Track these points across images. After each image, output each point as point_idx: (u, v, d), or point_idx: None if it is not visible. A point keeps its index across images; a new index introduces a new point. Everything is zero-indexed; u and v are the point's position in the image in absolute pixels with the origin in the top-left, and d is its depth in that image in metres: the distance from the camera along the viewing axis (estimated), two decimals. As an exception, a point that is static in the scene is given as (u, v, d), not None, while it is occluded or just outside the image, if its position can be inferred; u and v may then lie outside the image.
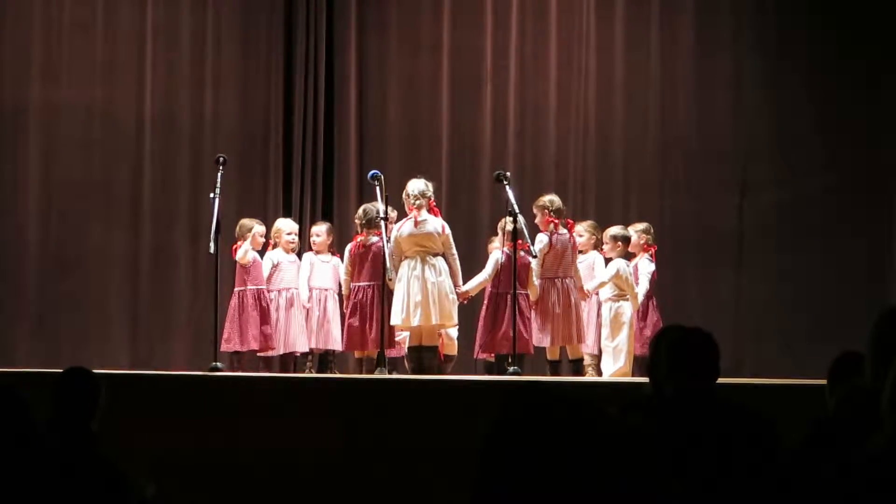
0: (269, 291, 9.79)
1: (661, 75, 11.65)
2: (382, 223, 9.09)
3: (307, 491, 7.38)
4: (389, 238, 9.16)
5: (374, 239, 9.36)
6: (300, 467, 7.40)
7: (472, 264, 9.80)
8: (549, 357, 9.58)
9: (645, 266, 9.90)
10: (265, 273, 9.79)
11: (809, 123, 11.43)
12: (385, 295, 9.21)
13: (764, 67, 11.55)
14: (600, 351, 9.74)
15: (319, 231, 10.15)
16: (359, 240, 9.55)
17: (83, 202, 11.30)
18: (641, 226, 10.08)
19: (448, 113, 11.71)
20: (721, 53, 11.64)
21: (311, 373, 9.75)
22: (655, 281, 9.92)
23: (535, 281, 9.41)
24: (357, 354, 9.75)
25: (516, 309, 9.07)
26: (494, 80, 11.70)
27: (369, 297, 9.37)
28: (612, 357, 9.61)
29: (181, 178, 11.49)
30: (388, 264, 9.09)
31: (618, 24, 11.71)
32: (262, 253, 9.87)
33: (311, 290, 9.89)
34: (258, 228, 9.83)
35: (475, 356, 9.69)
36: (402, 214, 9.51)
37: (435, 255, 9.25)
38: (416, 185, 9.33)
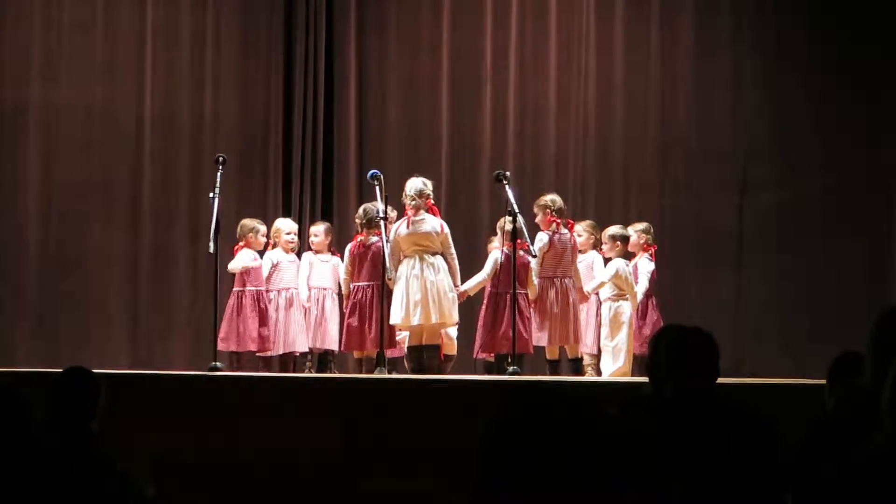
0: (268, 291, 9.79)
1: (661, 75, 11.65)
2: (382, 223, 9.09)
3: (307, 491, 7.38)
4: (389, 238, 9.16)
5: (375, 239, 9.36)
6: (300, 467, 7.39)
7: (471, 264, 9.80)
8: (548, 357, 9.58)
9: (644, 265, 9.90)
10: (265, 273, 9.79)
11: (809, 123, 11.43)
12: (385, 294, 9.21)
13: (764, 67, 11.54)
14: (600, 350, 9.75)
15: (318, 231, 10.15)
16: (359, 239, 9.55)
17: (83, 202, 11.30)
18: (641, 226, 10.08)
19: (448, 113, 11.71)
20: (721, 53, 11.64)
21: (311, 372, 9.75)
22: (655, 280, 9.93)
23: (535, 280, 9.42)
24: (357, 354, 9.75)
25: (516, 309, 9.07)
26: (494, 80, 11.69)
27: (369, 297, 9.37)
28: (612, 356, 9.62)
29: (181, 178, 11.49)
30: (387, 264, 9.09)
31: (618, 25, 11.71)
32: (261, 253, 9.88)
33: (309, 289, 9.90)
34: (261, 230, 9.84)
35: (475, 356, 9.69)
36: (401, 214, 9.51)
37: (434, 254, 9.25)
38: (412, 185, 9.34)
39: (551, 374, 9.44)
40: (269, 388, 8.01)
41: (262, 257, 9.85)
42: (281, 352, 9.80)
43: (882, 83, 11.37)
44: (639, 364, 9.52)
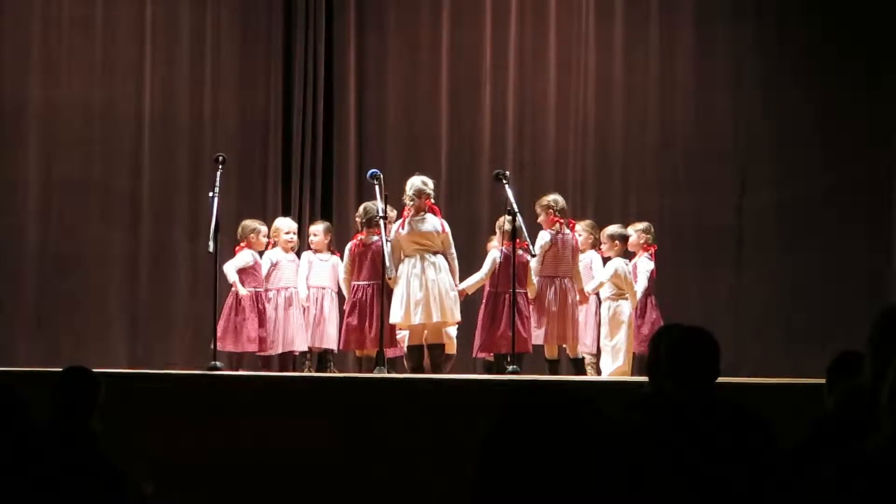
0: (267, 291, 9.79)
1: (661, 75, 11.65)
2: (381, 222, 9.09)
3: (307, 491, 7.38)
4: (389, 237, 9.16)
5: (375, 238, 9.36)
6: (299, 466, 7.39)
7: (471, 263, 9.80)
8: (547, 356, 9.58)
9: (644, 264, 9.91)
10: (263, 272, 9.79)
11: (809, 123, 11.43)
12: (385, 294, 9.21)
13: (764, 67, 11.54)
14: (599, 350, 9.75)
15: (317, 230, 10.15)
16: (359, 238, 9.56)
17: (83, 201, 11.29)
18: (641, 225, 10.08)
19: (447, 113, 11.71)
20: (721, 53, 11.64)
21: (310, 372, 9.75)
22: (654, 280, 9.93)
23: (534, 278, 9.42)
24: (357, 353, 9.75)
25: (515, 308, 9.07)
26: (493, 79, 11.69)
27: (369, 296, 9.37)
28: (611, 356, 9.63)
29: (181, 178, 11.48)
30: (387, 263, 9.09)
31: (617, 25, 11.70)
32: (261, 253, 9.87)
33: (308, 288, 9.89)
34: (262, 231, 9.84)
35: (474, 355, 9.69)
36: (402, 213, 9.51)
37: (434, 253, 9.25)
38: (412, 183, 9.35)
39: (550, 373, 9.45)
40: (268, 388, 8.02)
41: (261, 257, 9.85)
42: (280, 351, 9.80)
43: (882, 83, 11.37)
44: (638, 363, 9.52)
